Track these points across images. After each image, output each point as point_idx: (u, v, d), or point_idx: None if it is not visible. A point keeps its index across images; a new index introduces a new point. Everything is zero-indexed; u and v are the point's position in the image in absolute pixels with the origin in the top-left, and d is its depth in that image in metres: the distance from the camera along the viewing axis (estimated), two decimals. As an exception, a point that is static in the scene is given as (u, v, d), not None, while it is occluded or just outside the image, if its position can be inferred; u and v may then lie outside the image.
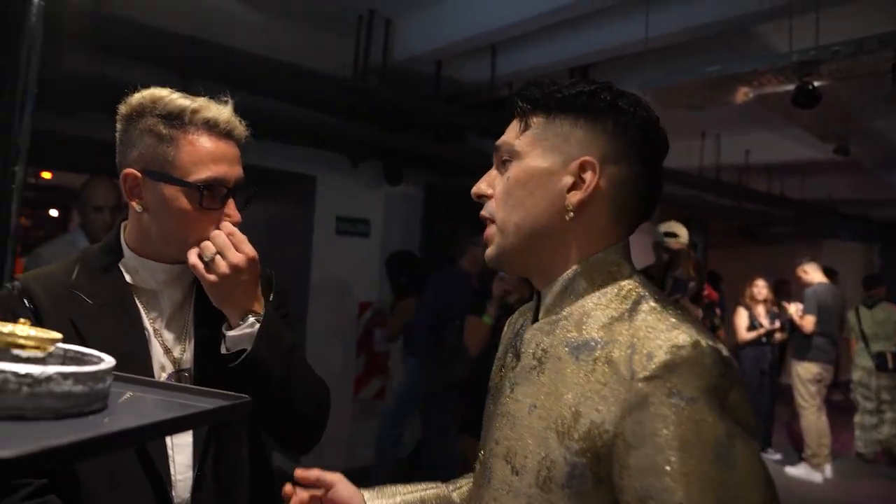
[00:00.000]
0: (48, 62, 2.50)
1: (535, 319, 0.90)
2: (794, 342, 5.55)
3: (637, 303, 0.80)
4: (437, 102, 4.30)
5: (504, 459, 0.84)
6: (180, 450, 1.07)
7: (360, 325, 4.84)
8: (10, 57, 2.06)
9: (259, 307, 1.12)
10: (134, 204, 1.09)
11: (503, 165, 0.89)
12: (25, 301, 1.05)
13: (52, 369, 0.56)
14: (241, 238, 1.10)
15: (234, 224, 1.12)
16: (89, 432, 0.51)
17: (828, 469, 5.28)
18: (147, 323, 1.12)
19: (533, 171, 0.85)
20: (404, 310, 4.40)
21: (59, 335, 0.64)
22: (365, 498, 1.03)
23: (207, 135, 1.08)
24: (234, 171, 1.11)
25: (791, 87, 2.80)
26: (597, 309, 0.82)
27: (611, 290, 0.83)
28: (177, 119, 1.06)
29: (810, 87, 2.71)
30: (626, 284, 0.83)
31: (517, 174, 0.86)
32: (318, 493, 1.02)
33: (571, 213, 0.83)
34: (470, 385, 3.28)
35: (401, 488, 1.07)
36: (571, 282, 0.85)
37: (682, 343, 0.72)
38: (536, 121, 0.87)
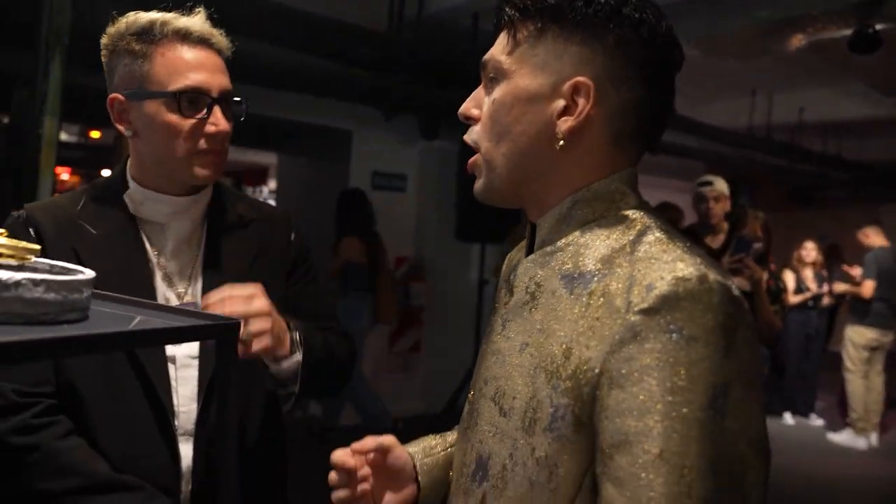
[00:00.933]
0: (81, 16, 2.52)
1: (530, 252, 0.82)
2: (852, 306, 5.41)
3: (642, 233, 0.72)
4: (473, 56, 4.19)
5: (492, 400, 0.78)
6: (184, 382, 1.07)
7: (396, 278, 4.86)
8: (36, 3, 2.07)
9: (290, 324, 1.08)
10: (122, 128, 1.08)
11: (490, 84, 0.79)
12: (30, 230, 1.06)
13: (21, 275, 0.54)
14: (244, 293, 0.99)
15: (222, 134, 1.07)
16: (42, 334, 0.49)
17: (874, 437, 5.14)
18: (151, 255, 1.11)
19: (520, 93, 0.76)
20: (346, 248, 4.28)
21: (36, 247, 0.63)
22: (411, 453, 0.95)
23: (181, 44, 1.06)
24: (217, 80, 1.07)
25: (848, 31, 2.62)
26: (596, 239, 0.74)
27: (613, 220, 0.75)
28: (147, 34, 1.04)
29: (870, 30, 2.53)
30: (631, 214, 0.75)
31: (503, 97, 0.77)
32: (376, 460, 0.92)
33: (562, 142, 0.74)
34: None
35: (438, 440, 0.99)
36: (569, 211, 0.77)
37: (687, 276, 0.64)
38: (526, 33, 0.76)
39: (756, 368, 0.65)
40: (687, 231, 3.65)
